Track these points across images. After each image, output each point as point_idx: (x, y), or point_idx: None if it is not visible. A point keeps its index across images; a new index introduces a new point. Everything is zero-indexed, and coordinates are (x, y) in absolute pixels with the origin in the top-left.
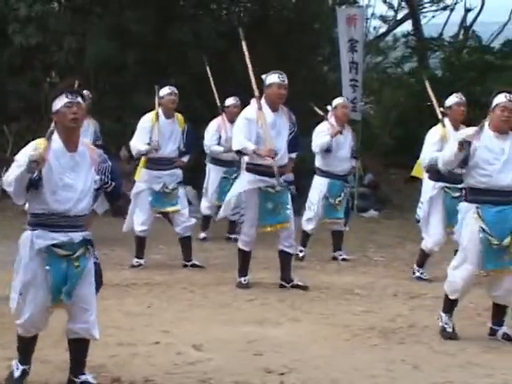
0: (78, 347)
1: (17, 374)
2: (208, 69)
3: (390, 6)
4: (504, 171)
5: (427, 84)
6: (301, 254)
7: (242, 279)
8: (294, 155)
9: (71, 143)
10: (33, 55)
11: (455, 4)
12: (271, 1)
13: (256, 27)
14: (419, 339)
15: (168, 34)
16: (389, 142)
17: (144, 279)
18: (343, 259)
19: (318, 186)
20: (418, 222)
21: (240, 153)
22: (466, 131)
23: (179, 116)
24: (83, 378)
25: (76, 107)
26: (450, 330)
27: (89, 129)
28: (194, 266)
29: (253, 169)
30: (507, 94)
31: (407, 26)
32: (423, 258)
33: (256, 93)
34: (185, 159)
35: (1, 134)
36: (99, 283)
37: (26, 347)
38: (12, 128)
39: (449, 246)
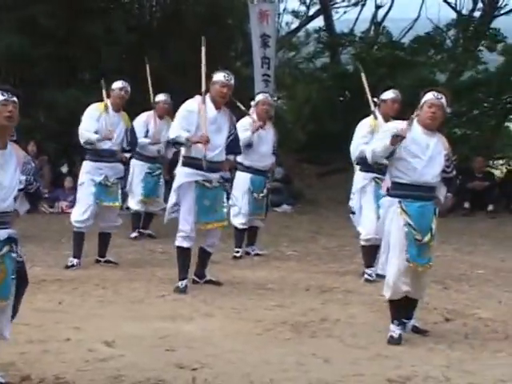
0: None
1: None
2: (148, 67)
3: (302, 2)
4: (428, 166)
5: (363, 76)
6: (238, 254)
7: (180, 283)
8: (232, 157)
9: (1, 141)
10: None
11: (366, 0)
12: None
13: (169, 22)
14: (330, 333)
15: (79, 29)
16: (301, 137)
17: (55, 275)
18: (256, 254)
19: (241, 181)
20: (353, 213)
21: (177, 144)
22: (397, 125)
23: (125, 114)
24: None
25: (11, 106)
26: (396, 335)
27: None
28: (107, 262)
29: (189, 162)
30: (435, 93)
31: (319, 22)
32: (367, 255)
33: (203, 88)
34: (126, 155)
35: None
36: (25, 282)
37: None
38: None
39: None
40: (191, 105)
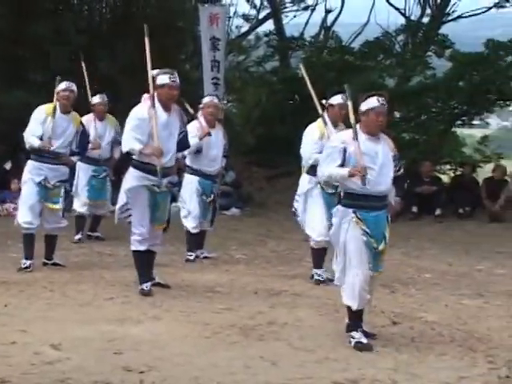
0: None
1: None
2: (83, 65)
3: (253, 5)
4: (381, 175)
5: (305, 77)
6: (191, 258)
7: (144, 286)
8: (180, 154)
9: None
10: None
11: (316, 5)
12: None
13: (119, 24)
14: (278, 336)
15: (28, 30)
16: (251, 141)
17: (1, 278)
18: (205, 257)
19: (189, 184)
20: (296, 215)
21: (129, 154)
22: (343, 137)
23: (76, 116)
24: None
25: None
26: (365, 341)
27: None
28: (54, 264)
29: (139, 166)
30: (379, 98)
31: (269, 26)
32: (316, 256)
33: (151, 90)
34: (74, 159)
35: None
36: None
37: None
38: None
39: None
40: (141, 112)
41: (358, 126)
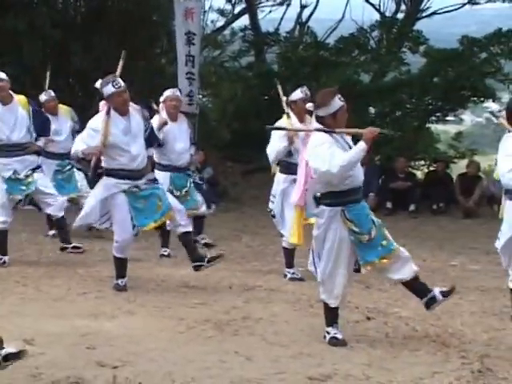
0: None
1: None
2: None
3: (228, 0)
4: (357, 167)
5: (277, 83)
6: (166, 253)
7: (119, 281)
8: (150, 151)
9: None
10: None
11: (291, 0)
12: None
13: (94, 17)
14: (253, 331)
15: (1, 23)
16: (226, 135)
17: None
18: (205, 243)
19: (162, 181)
20: (274, 216)
21: (80, 159)
22: (323, 138)
23: (22, 99)
24: None
25: None
26: (340, 337)
27: None
28: (75, 247)
29: (113, 173)
30: (340, 96)
31: (244, 21)
32: (288, 256)
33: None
34: (40, 143)
35: None
36: None
37: None
38: None
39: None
40: (95, 123)
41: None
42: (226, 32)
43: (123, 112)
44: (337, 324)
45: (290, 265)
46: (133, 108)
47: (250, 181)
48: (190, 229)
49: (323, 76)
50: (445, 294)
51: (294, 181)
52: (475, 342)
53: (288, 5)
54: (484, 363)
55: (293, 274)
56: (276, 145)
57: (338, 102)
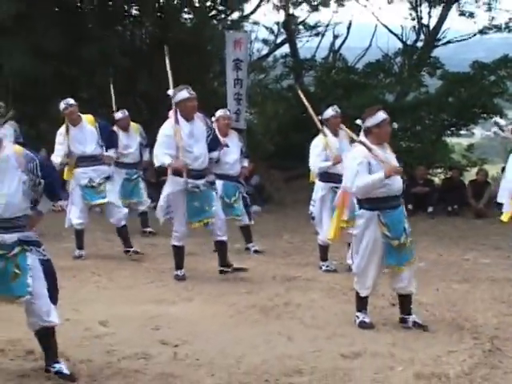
0: (41, 337)
1: None
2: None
3: (271, 31)
4: (394, 177)
5: (303, 98)
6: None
7: (178, 272)
8: (214, 154)
9: None
10: None
11: (326, 31)
12: (170, 25)
13: (156, 47)
14: (293, 315)
15: (79, 52)
16: (270, 147)
17: (56, 264)
18: (255, 251)
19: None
20: (313, 218)
21: (160, 166)
22: (362, 152)
23: (89, 118)
24: (57, 367)
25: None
26: (368, 320)
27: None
28: (136, 252)
29: (178, 173)
30: (384, 111)
31: (285, 49)
32: (323, 251)
33: (174, 106)
34: (113, 154)
35: None
36: (51, 276)
37: None
38: None
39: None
40: (167, 129)
41: (366, 139)
42: (270, 59)
43: (189, 117)
44: (366, 310)
45: (324, 258)
46: (197, 115)
47: (291, 186)
48: (225, 239)
49: (353, 96)
50: (415, 325)
51: (332, 188)
52: (486, 325)
53: (323, 35)
54: (494, 344)
55: (327, 266)
56: (316, 160)
57: (382, 115)
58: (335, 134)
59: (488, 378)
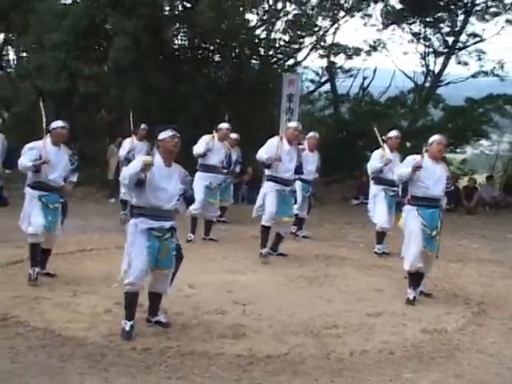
0: (154, 298)
1: (127, 328)
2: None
3: (317, 74)
4: (435, 185)
5: (376, 129)
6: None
7: (263, 250)
8: (296, 174)
9: (168, 161)
10: (91, 99)
11: (357, 74)
12: (243, 67)
13: (232, 84)
14: (331, 283)
15: (176, 88)
16: None
17: None
18: (303, 236)
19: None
20: (369, 212)
21: (263, 164)
22: (415, 157)
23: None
24: (156, 318)
25: (177, 139)
26: (417, 296)
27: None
28: (211, 239)
29: (273, 179)
30: (442, 135)
31: (327, 86)
32: (379, 236)
33: (281, 133)
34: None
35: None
36: (180, 258)
37: (131, 303)
38: (76, 144)
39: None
40: (274, 141)
41: (426, 154)
42: (315, 94)
43: (290, 142)
44: (418, 285)
45: (379, 242)
46: (294, 143)
47: (329, 188)
48: (282, 233)
49: (377, 123)
50: (421, 293)
51: (383, 189)
52: (474, 294)
53: (355, 77)
54: (480, 307)
55: (378, 249)
56: (373, 163)
57: (434, 137)
58: (391, 151)
59: (476, 333)
